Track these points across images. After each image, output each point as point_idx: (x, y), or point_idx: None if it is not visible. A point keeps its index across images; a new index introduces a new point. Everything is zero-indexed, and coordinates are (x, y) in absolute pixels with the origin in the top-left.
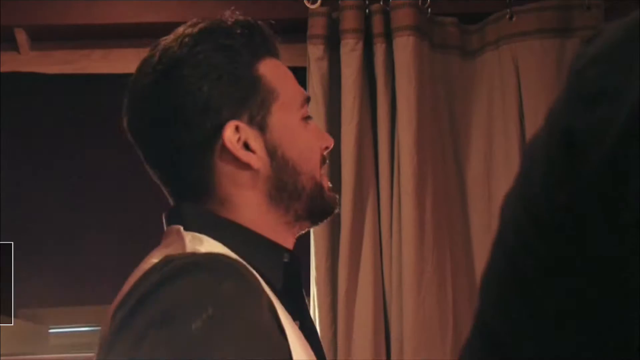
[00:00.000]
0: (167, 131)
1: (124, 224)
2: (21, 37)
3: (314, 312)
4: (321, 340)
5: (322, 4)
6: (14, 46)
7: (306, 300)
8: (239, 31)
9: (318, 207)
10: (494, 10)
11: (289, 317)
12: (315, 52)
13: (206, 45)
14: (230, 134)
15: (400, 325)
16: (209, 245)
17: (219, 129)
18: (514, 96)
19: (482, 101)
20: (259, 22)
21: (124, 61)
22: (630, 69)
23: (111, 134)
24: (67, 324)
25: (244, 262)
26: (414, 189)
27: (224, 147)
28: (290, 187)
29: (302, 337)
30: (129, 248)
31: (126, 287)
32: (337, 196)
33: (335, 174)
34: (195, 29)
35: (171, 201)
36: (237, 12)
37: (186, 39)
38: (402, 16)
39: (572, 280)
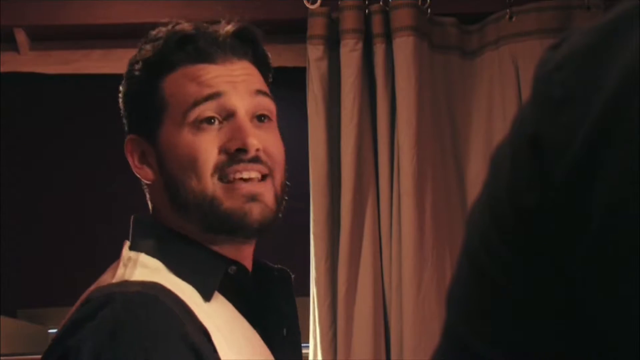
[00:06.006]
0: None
1: (126, 223)
2: (21, 37)
3: (314, 312)
4: (321, 340)
5: (321, 4)
6: (13, 46)
7: (284, 308)
8: (150, 48)
9: (213, 222)
10: (494, 10)
11: (242, 327)
12: (314, 52)
13: (130, 67)
14: (130, 147)
15: (400, 325)
16: (142, 269)
17: None
18: (514, 96)
19: (482, 101)
20: (187, 27)
21: (124, 61)
22: (594, 75)
23: (111, 134)
24: None
25: (166, 289)
26: (414, 189)
27: None
28: (177, 199)
29: (257, 344)
30: None
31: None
32: (252, 211)
33: (335, 174)
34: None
35: None
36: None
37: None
38: (402, 16)
39: (540, 285)
